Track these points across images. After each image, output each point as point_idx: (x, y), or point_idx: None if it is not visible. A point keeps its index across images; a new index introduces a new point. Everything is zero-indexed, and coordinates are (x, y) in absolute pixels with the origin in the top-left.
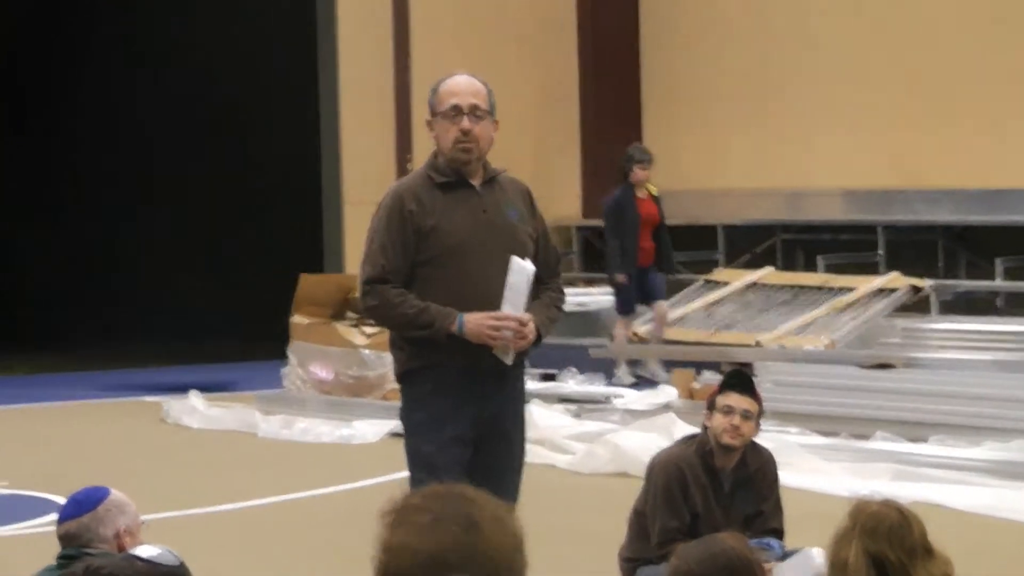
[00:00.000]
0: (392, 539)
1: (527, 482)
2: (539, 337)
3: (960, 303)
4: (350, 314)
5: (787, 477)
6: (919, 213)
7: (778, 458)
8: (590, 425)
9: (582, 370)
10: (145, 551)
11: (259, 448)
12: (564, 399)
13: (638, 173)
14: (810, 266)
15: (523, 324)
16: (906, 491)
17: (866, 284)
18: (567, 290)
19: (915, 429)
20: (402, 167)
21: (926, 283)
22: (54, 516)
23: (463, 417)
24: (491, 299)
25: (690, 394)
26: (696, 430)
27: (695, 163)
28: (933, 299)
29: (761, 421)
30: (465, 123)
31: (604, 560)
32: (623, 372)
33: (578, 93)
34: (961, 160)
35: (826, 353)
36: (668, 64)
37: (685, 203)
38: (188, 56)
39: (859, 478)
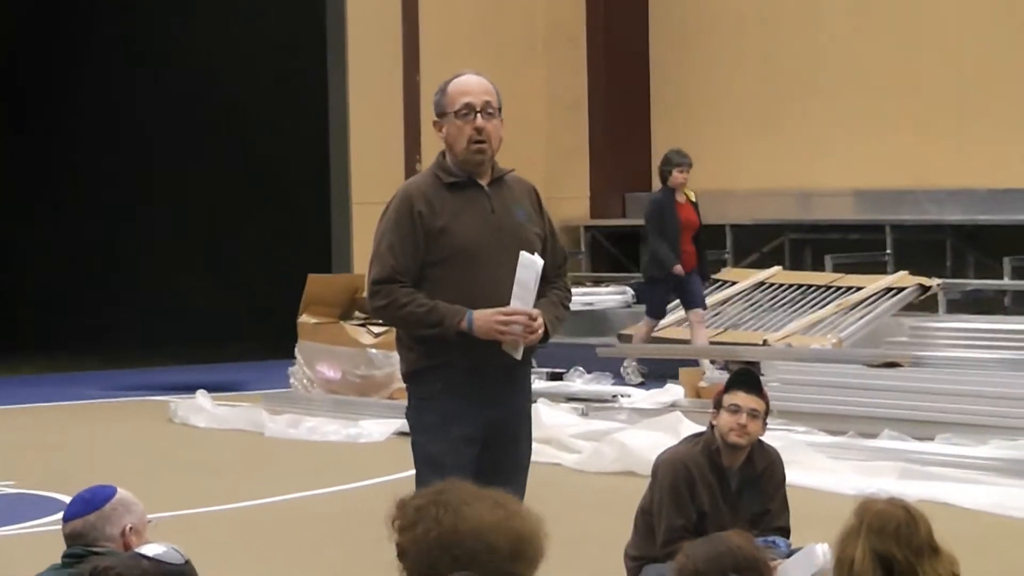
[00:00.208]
0: (403, 541)
1: (533, 481)
2: (546, 335)
3: (968, 302)
4: (358, 314)
5: (794, 476)
6: (927, 212)
7: (785, 457)
8: (597, 424)
9: (589, 369)
10: (151, 550)
11: (266, 447)
12: (571, 398)
13: (677, 177)
14: (818, 265)
15: (532, 319)
16: (913, 489)
17: (874, 283)
18: (576, 290)
19: (922, 428)
20: (410, 168)
21: (934, 282)
22: (60, 515)
23: (472, 417)
24: (500, 299)
25: (697, 393)
26: (703, 429)
27: (704, 165)
28: (941, 298)
29: (768, 420)
30: (479, 121)
31: (610, 559)
32: (631, 371)
33: (587, 96)
34: (969, 160)
35: (833, 352)
36: (677, 68)
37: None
38: (188, 56)
39: (866, 477)
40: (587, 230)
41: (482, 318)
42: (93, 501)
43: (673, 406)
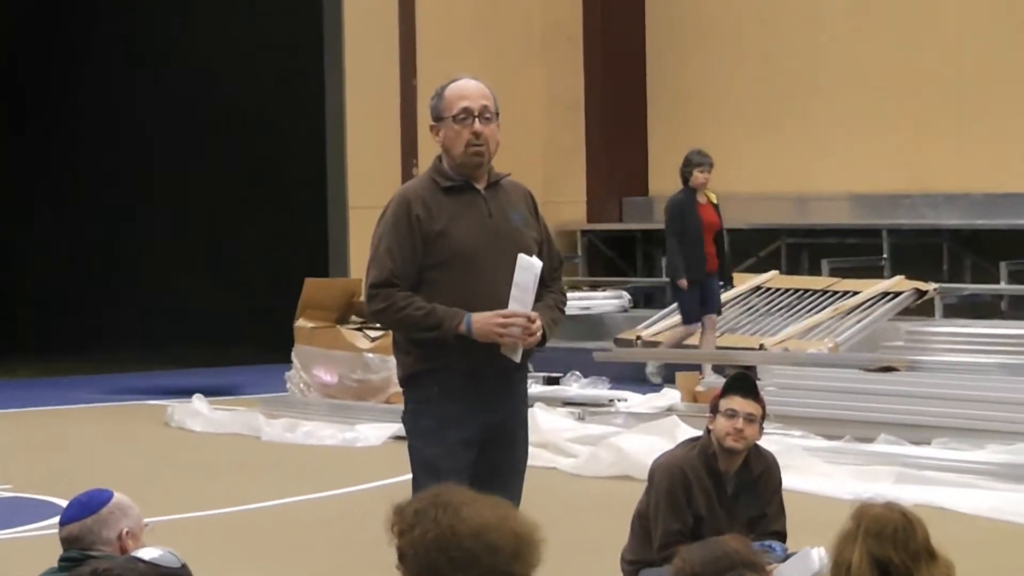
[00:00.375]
0: (403, 544)
1: (530, 485)
2: (544, 339)
3: (964, 306)
4: (354, 318)
5: (790, 480)
6: (924, 217)
7: (781, 461)
8: (593, 428)
9: (586, 373)
10: (147, 553)
11: (262, 451)
12: (567, 402)
13: (698, 177)
14: (814, 270)
15: (531, 321)
16: (909, 494)
17: (871, 287)
18: (573, 294)
19: (919, 432)
20: (407, 171)
21: (931, 286)
22: (57, 519)
23: (469, 421)
24: (498, 302)
25: (693, 397)
26: (699, 433)
27: None
28: (937, 302)
29: (764, 424)
30: (477, 126)
31: (606, 563)
32: (653, 373)
33: (584, 99)
34: (966, 164)
35: (830, 356)
36: (674, 70)
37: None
38: (188, 56)
39: (862, 481)
40: (584, 234)
41: (481, 320)
42: (90, 505)
43: (670, 410)
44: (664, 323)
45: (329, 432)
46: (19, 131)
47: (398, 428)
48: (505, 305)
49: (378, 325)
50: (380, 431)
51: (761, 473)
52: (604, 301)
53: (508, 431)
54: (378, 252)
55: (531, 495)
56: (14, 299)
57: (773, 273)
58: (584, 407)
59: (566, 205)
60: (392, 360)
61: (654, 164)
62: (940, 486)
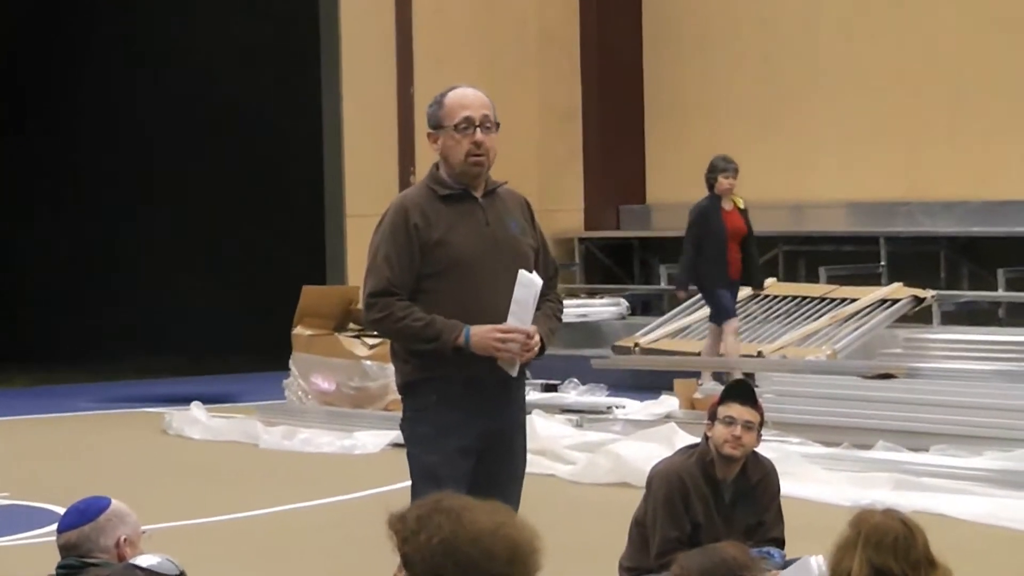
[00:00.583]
0: (408, 550)
1: (528, 492)
2: (542, 349)
3: (962, 314)
4: (352, 325)
5: (788, 487)
6: (921, 224)
7: (779, 468)
8: (591, 435)
9: (583, 381)
10: (145, 560)
11: (260, 459)
12: (565, 409)
13: (723, 183)
14: (812, 277)
15: (529, 337)
16: (907, 501)
17: (868, 295)
18: (570, 302)
19: (917, 439)
20: (405, 180)
21: (928, 294)
22: (54, 526)
23: (469, 428)
24: (496, 311)
25: (691, 404)
26: (697, 440)
27: (697, 176)
28: (935, 309)
29: (762, 431)
30: (479, 135)
31: (605, 570)
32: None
33: (581, 107)
34: (963, 172)
35: (828, 363)
36: (670, 78)
37: (686, 214)
38: (188, 56)
39: (860, 488)
40: (581, 242)
41: (479, 334)
42: (87, 512)
43: (668, 418)
44: (659, 331)
45: (327, 439)
46: (19, 131)
47: (396, 435)
48: (503, 313)
49: (376, 333)
50: (378, 438)
51: (759, 480)
52: (601, 308)
53: (507, 438)
54: (376, 261)
55: (529, 502)
56: (14, 299)
57: (771, 281)
58: (582, 414)
59: (563, 213)
60: (390, 367)
61: (651, 172)
62: (938, 493)
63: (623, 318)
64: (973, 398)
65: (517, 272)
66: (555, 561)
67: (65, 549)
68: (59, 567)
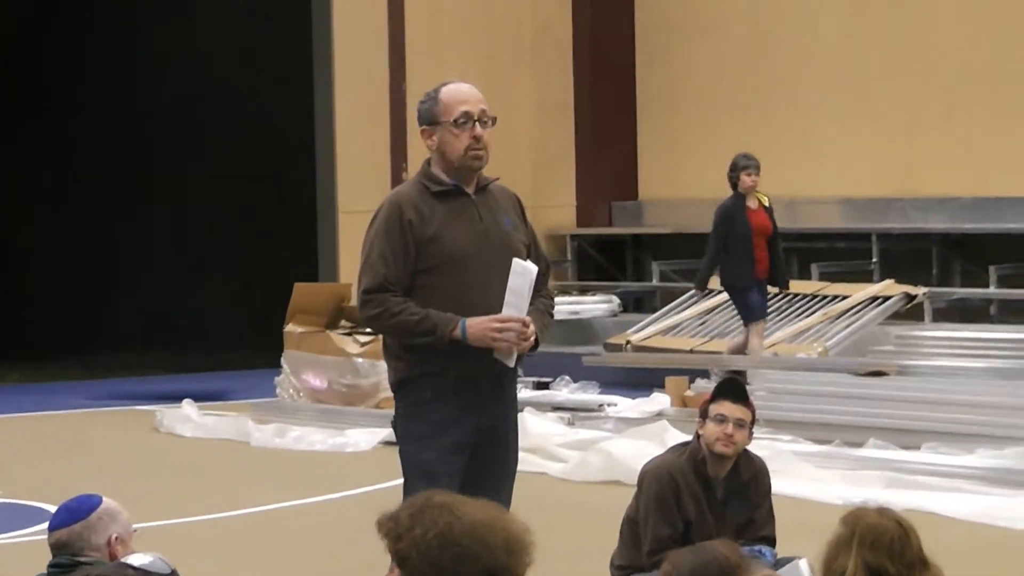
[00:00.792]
0: (403, 547)
1: (519, 490)
2: (536, 343)
3: (954, 311)
4: (344, 323)
5: (780, 485)
6: (913, 221)
7: (771, 466)
8: (583, 433)
9: (575, 378)
10: (137, 559)
11: (252, 457)
12: (557, 407)
13: (745, 181)
14: (804, 274)
15: (526, 325)
16: (899, 499)
17: (860, 292)
18: (562, 299)
19: (908, 437)
20: (397, 176)
21: (920, 291)
22: (45, 525)
23: (462, 425)
24: (491, 307)
25: (683, 402)
26: (689, 438)
27: (690, 172)
28: (927, 307)
29: (754, 429)
30: (478, 130)
31: (596, 568)
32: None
33: (573, 103)
34: (955, 168)
35: (819, 361)
36: (663, 73)
37: (678, 211)
38: (188, 56)
39: (852, 486)
40: (573, 239)
41: (476, 325)
42: (79, 511)
43: (659, 415)
44: (650, 328)
45: (319, 437)
46: (19, 131)
47: (388, 433)
48: (497, 309)
49: (368, 330)
50: (370, 436)
51: (751, 478)
52: (593, 306)
53: (499, 434)
54: (371, 258)
55: (521, 500)
56: (14, 299)
57: None
58: (574, 412)
59: (555, 209)
60: (382, 365)
61: (643, 168)
62: (930, 491)
63: (615, 315)
64: (965, 396)
65: (510, 268)
66: (546, 560)
67: (56, 548)
68: (50, 566)
